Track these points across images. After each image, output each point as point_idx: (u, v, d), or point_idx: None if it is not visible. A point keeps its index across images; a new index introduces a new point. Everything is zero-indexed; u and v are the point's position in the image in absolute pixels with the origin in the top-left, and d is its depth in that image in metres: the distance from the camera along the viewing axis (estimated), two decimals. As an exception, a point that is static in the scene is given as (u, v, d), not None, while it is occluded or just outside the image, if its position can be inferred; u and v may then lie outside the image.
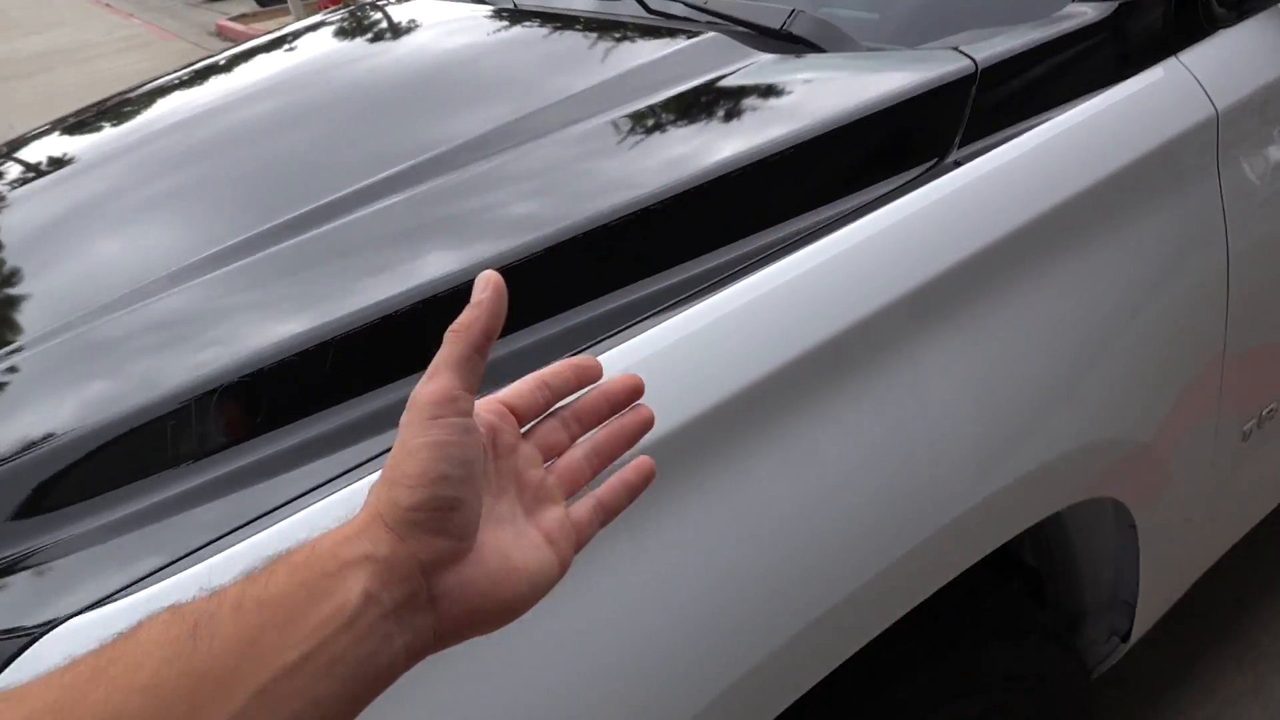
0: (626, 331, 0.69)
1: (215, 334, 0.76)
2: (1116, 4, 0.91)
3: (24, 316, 0.93)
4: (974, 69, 0.87)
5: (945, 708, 0.93)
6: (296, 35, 1.72)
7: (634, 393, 0.51)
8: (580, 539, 0.48)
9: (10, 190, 1.29)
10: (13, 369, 0.80)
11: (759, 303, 0.72)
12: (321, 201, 0.90)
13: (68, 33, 14.03)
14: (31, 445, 0.66)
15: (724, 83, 0.96)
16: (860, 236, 0.78)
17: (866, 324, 0.75)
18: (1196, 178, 0.94)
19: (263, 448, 0.64)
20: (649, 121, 0.94)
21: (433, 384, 0.42)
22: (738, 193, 0.81)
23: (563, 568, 0.46)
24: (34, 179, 1.31)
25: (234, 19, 11.22)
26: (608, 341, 0.69)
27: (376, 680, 0.38)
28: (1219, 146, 0.95)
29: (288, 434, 0.65)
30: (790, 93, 0.93)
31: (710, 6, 1.14)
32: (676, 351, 0.68)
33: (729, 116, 0.91)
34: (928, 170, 0.84)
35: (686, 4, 1.17)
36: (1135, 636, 1.11)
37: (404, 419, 0.42)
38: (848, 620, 0.75)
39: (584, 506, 0.49)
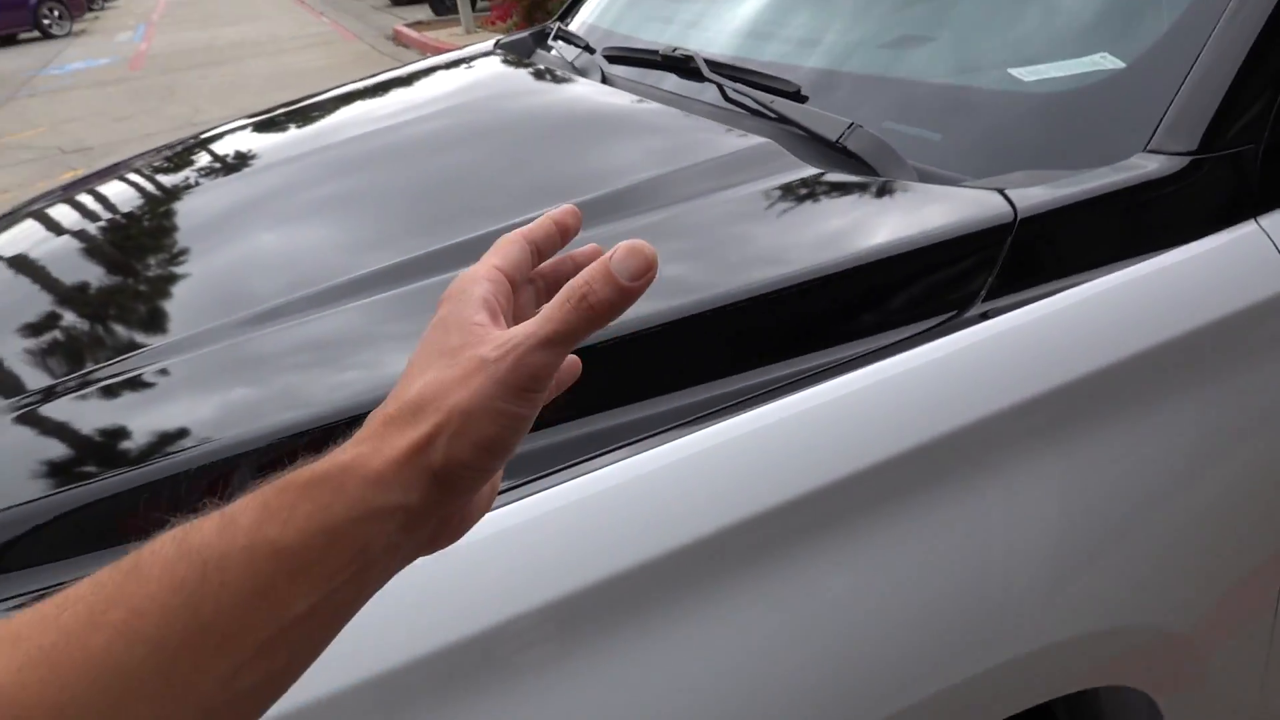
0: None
1: (360, 359, 0.81)
2: (1188, 160, 0.84)
3: (178, 312, 1.01)
4: (1013, 217, 0.81)
5: None
6: (473, 59, 1.80)
7: (576, 217, 0.48)
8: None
9: (191, 181, 1.41)
10: (163, 371, 0.85)
11: (725, 449, 0.70)
12: (479, 232, 0.94)
13: (262, 26, 15.11)
14: (179, 449, 0.71)
15: (756, 197, 0.94)
16: (864, 383, 0.75)
17: (859, 478, 0.71)
18: (1268, 354, 0.85)
19: None
20: (679, 226, 0.93)
21: (550, 350, 0.37)
22: (741, 321, 0.78)
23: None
24: (216, 172, 1.43)
25: (410, 25, 11.82)
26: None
27: (369, 592, 0.37)
28: (1299, 322, 0.85)
29: None
30: (814, 220, 0.89)
31: (776, 108, 1.11)
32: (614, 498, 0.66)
33: (747, 238, 0.89)
34: (948, 321, 0.79)
35: (755, 103, 1.15)
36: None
37: (492, 355, 0.37)
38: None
39: None
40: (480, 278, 0.41)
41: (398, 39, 11.38)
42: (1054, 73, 1.01)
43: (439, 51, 10.00)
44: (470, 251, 0.90)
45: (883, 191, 0.91)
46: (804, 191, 0.94)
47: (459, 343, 0.38)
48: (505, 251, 0.44)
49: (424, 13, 12.90)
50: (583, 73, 1.50)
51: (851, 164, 0.99)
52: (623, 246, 0.38)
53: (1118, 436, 0.79)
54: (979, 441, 0.75)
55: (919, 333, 0.78)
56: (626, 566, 0.64)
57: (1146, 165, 0.84)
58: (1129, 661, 0.87)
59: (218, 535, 0.33)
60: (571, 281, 0.38)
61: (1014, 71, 1.03)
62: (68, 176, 6.73)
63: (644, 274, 0.38)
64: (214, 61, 11.57)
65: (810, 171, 0.97)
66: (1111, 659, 0.85)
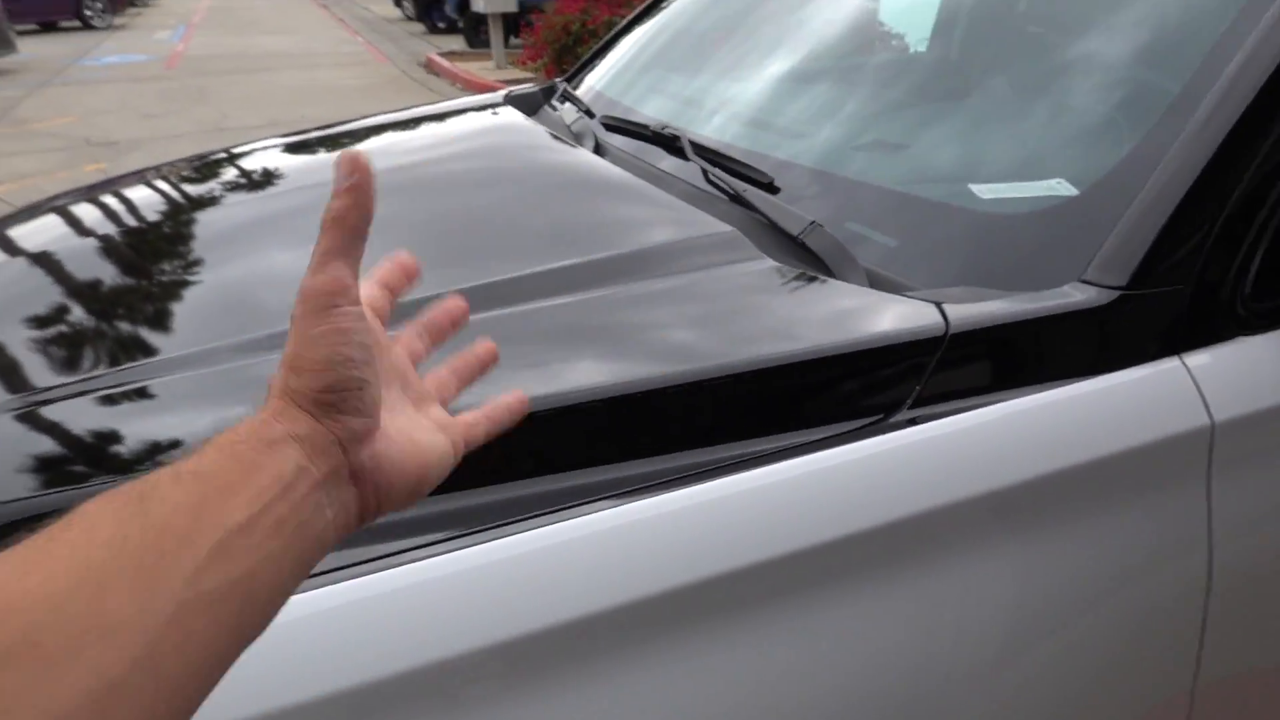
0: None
1: None
2: (1117, 294, 0.88)
3: (188, 321, 1.05)
4: (944, 331, 0.85)
5: None
6: (482, 109, 1.89)
7: (465, 313, 0.57)
8: (469, 437, 0.52)
9: (213, 194, 1.47)
10: (163, 386, 0.89)
11: (646, 527, 0.73)
12: (489, 280, 0.99)
13: (299, 39, 15.37)
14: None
15: (710, 282, 0.99)
16: (786, 475, 0.78)
17: (759, 570, 0.74)
18: (1177, 488, 0.89)
19: None
20: (629, 301, 0.97)
21: (323, 275, 0.43)
22: (673, 402, 0.82)
23: (456, 454, 0.50)
24: (238, 188, 1.49)
25: (443, 54, 12.02)
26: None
27: (316, 547, 0.41)
28: (1211, 460, 0.89)
29: None
30: (760, 312, 0.94)
31: (749, 196, 1.16)
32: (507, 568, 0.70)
33: (694, 321, 0.93)
34: (871, 424, 0.83)
35: (730, 189, 1.20)
36: None
37: (297, 311, 0.43)
38: None
39: (472, 413, 0.53)
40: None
41: (429, 66, 11.58)
42: (1010, 193, 1.06)
43: (469, 82, 10.13)
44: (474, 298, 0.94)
45: (830, 292, 0.96)
46: (757, 283, 0.98)
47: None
48: (367, 290, 0.51)
49: (459, 43, 13.14)
50: (579, 137, 1.56)
51: (809, 259, 1.04)
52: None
53: (1018, 553, 0.82)
54: (887, 541, 0.78)
55: (845, 432, 0.82)
56: (575, 616, 0.67)
57: (1075, 295, 0.88)
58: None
59: (141, 480, 0.38)
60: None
61: (973, 187, 1.08)
62: (91, 169, 6.82)
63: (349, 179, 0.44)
64: (247, 69, 11.78)
65: (767, 264, 1.01)
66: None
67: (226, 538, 0.37)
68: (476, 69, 10.51)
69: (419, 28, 15.82)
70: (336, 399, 0.42)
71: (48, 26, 16.92)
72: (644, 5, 2.16)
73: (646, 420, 0.82)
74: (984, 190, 1.07)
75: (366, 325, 0.44)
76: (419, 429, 0.48)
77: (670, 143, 1.37)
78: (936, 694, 0.81)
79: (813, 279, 0.98)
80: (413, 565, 0.67)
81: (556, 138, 1.57)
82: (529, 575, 0.70)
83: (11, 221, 1.50)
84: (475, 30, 12.51)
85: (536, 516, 0.72)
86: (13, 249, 1.34)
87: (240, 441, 0.40)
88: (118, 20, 18.43)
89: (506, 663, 0.67)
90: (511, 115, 1.78)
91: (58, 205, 1.51)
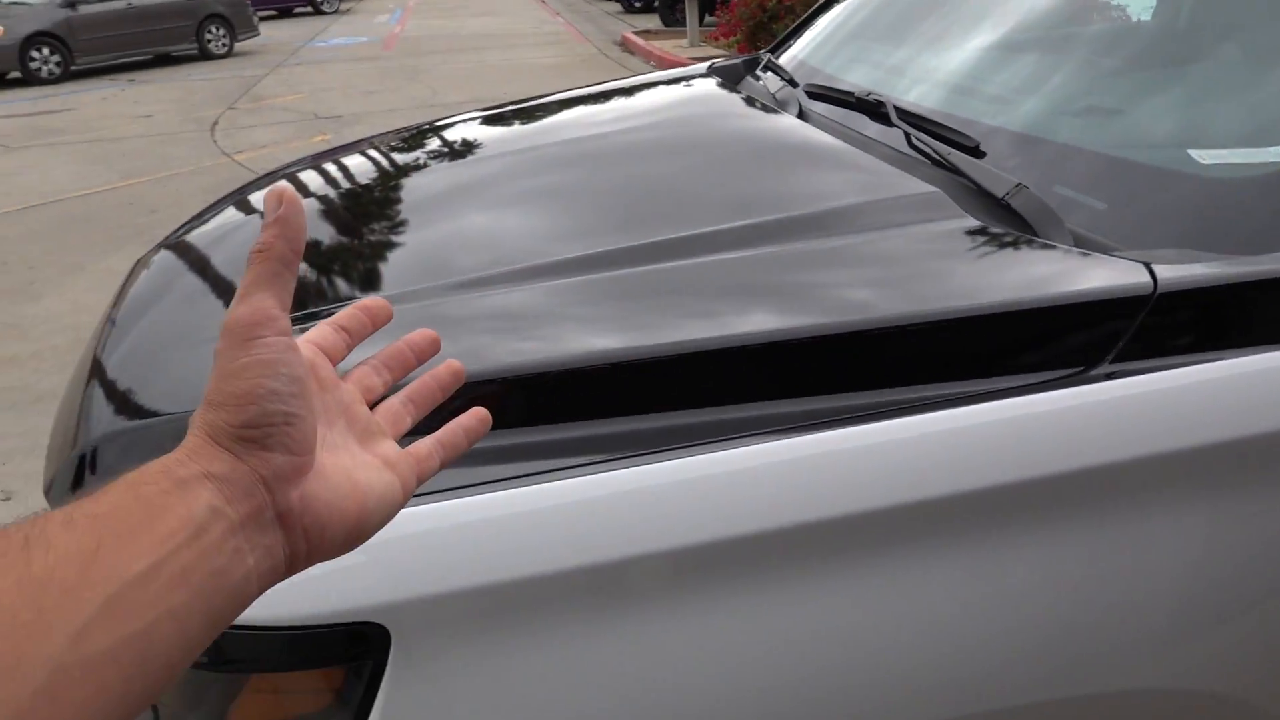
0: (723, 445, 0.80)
1: (538, 332, 0.95)
2: (1341, 258, 0.86)
3: (390, 272, 1.20)
4: (1151, 290, 0.86)
5: None
6: (689, 79, 1.98)
7: (434, 344, 0.54)
8: (422, 471, 0.49)
9: (421, 161, 1.66)
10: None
11: (864, 452, 0.79)
12: (666, 236, 1.08)
13: (504, 20, 16.07)
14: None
15: (917, 239, 1.03)
16: (984, 418, 0.82)
17: (957, 500, 0.79)
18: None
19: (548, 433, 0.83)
20: (839, 256, 1.03)
21: (246, 305, 0.40)
22: (889, 345, 0.88)
23: (405, 492, 0.47)
24: (444, 156, 1.67)
25: (638, 33, 12.25)
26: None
27: (233, 599, 0.37)
28: None
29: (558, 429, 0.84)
30: (965, 267, 0.97)
31: (953, 159, 1.19)
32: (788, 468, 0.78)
33: (905, 274, 0.98)
34: (1072, 376, 0.86)
35: (934, 153, 1.23)
36: None
37: (220, 345, 0.40)
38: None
39: (425, 443, 0.50)
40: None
41: (625, 45, 11.85)
42: (1232, 158, 1.03)
43: (663, 60, 10.29)
44: (660, 250, 1.04)
45: (1035, 250, 0.98)
46: (961, 241, 1.01)
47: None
48: (318, 331, 0.50)
49: (654, 22, 13.35)
50: (783, 105, 1.61)
51: (1013, 221, 1.06)
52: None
53: (1206, 513, 0.82)
54: (1077, 486, 0.81)
55: (1045, 381, 0.85)
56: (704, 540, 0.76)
57: (1295, 258, 0.86)
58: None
59: (28, 522, 0.33)
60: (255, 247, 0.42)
61: (1194, 153, 1.06)
62: (318, 140, 7.47)
63: (277, 213, 0.42)
64: (456, 49, 12.46)
65: (970, 223, 1.04)
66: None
67: (121, 590, 0.33)
68: (670, 47, 10.66)
69: (615, 7, 16.17)
70: (260, 434, 0.39)
71: (284, 12, 18.52)
72: (850, -23, 2.17)
73: (869, 356, 0.88)
74: (1205, 155, 1.05)
75: (297, 357, 0.41)
76: (361, 467, 0.45)
77: (874, 108, 1.40)
78: (1098, 641, 0.83)
79: (1018, 237, 1.00)
80: (633, 470, 0.77)
81: (761, 105, 1.63)
82: (750, 486, 0.78)
83: (256, 185, 1.72)
84: (670, 9, 12.68)
85: (782, 431, 0.80)
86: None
87: (147, 482, 0.36)
88: (344, 5, 19.92)
89: (737, 554, 0.75)
90: (715, 84, 1.86)
91: (288, 173, 1.73)
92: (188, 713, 0.82)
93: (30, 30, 11.45)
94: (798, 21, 2.20)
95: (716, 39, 10.26)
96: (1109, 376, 0.85)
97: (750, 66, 2.07)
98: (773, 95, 1.68)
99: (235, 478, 0.38)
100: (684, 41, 10.91)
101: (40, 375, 3.59)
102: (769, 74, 1.90)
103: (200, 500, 0.36)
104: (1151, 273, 0.88)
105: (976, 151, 1.20)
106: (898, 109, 1.35)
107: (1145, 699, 0.85)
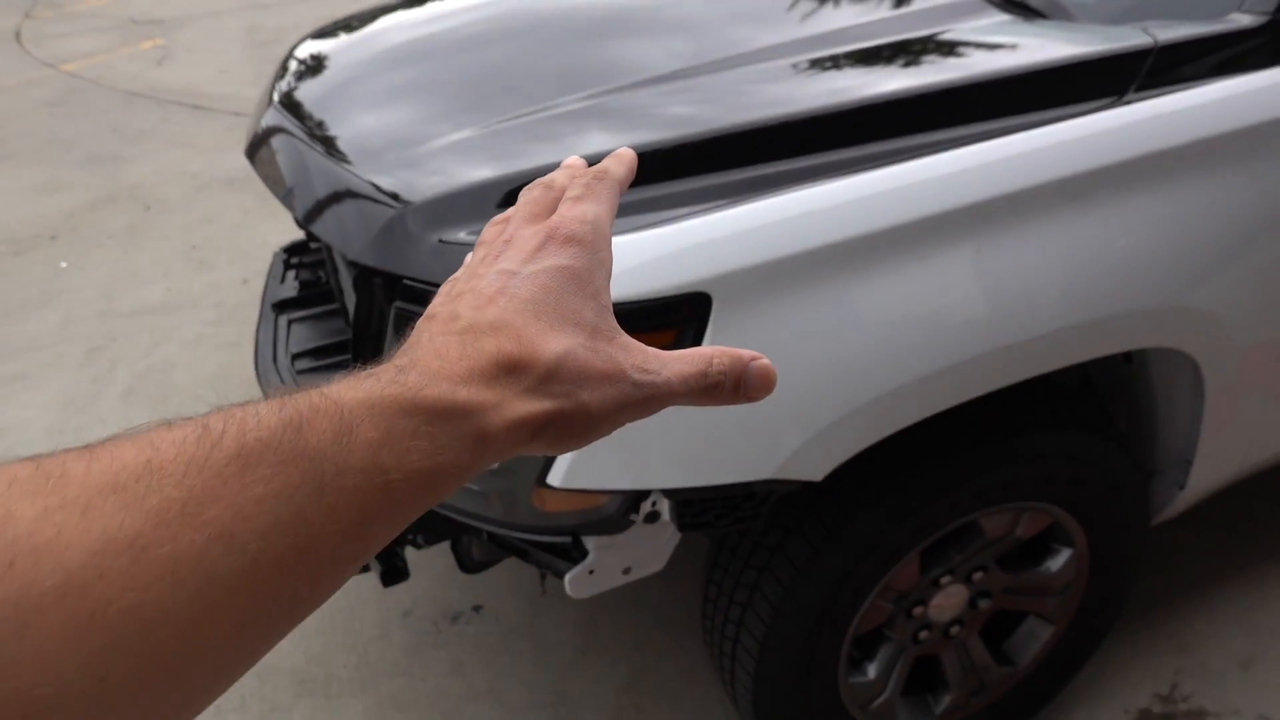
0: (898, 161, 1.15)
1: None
2: (1267, 18, 1.30)
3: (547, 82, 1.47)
4: (1153, 44, 1.27)
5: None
6: None
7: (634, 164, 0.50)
8: None
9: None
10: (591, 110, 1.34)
11: (976, 157, 1.16)
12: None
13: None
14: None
15: (968, 30, 1.40)
16: (1046, 136, 1.21)
17: (1042, 188, 1.18)
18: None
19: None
20: (910, 50, 1.39)
21: (671, 403, 0.39)
22: (974, 95, 1.25)
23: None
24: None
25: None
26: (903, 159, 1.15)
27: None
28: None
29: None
30: (1017, 42, 1.36)
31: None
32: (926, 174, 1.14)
33: (965, 49, 1.35)
34: (1108, 104, 1.26)
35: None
36: (1189, 486, 1.50)
37: (638, 377, 0.38)
38: (969, 375, 1.19)
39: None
40: (607, 238, 0.42)
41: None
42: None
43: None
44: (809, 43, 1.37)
45: (1060, 28, 1.37)
46: (1002, 24, 1.40)
47: (593, 321, 0.38)
48: (612, 200, 0.44)
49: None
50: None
51: (1030, 14, 1.45)
52: (761, 366, 0.41)
53: (1244, 173, 1.25)
54: (1124, 175, 1.21)
55: (1084, 111, 1.25)
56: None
57: (1242, 20, 1.29)
58: (1181, 332, 1.34)
59: (334, 443, 0.30)
60: (715, 361, 0.40)
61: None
62: (149, 45, 7.03)
63: (760, 393, 0.41)
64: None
65: (1004, 17, 1.42)
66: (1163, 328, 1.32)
67: (353, 563, 0.31)
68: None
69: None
70: (529, 454, 0.37)
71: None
72: None
73: (995, 96, 1.25)
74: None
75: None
76: None
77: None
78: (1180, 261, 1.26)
79: (1046, 25, 1.40)
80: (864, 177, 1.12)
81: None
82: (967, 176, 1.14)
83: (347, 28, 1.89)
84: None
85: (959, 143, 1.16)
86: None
87: (453, 451, 0.33)
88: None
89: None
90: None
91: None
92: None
93: None
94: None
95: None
96: (1127, 103, 1.26)
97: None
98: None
99: (480, 470, 0.36)
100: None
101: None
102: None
103: (452, 490, 0.34)
104: (1150, 33, 1.29)
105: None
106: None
107: (1127, 319, 1.28)
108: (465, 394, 0.33)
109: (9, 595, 0.22)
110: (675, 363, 0.39)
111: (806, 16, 1.56)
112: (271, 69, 1.90)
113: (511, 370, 0.34)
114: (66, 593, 0.23)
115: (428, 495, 0.32)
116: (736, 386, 0.40)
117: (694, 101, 1.33)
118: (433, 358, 0.34)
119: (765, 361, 0.41)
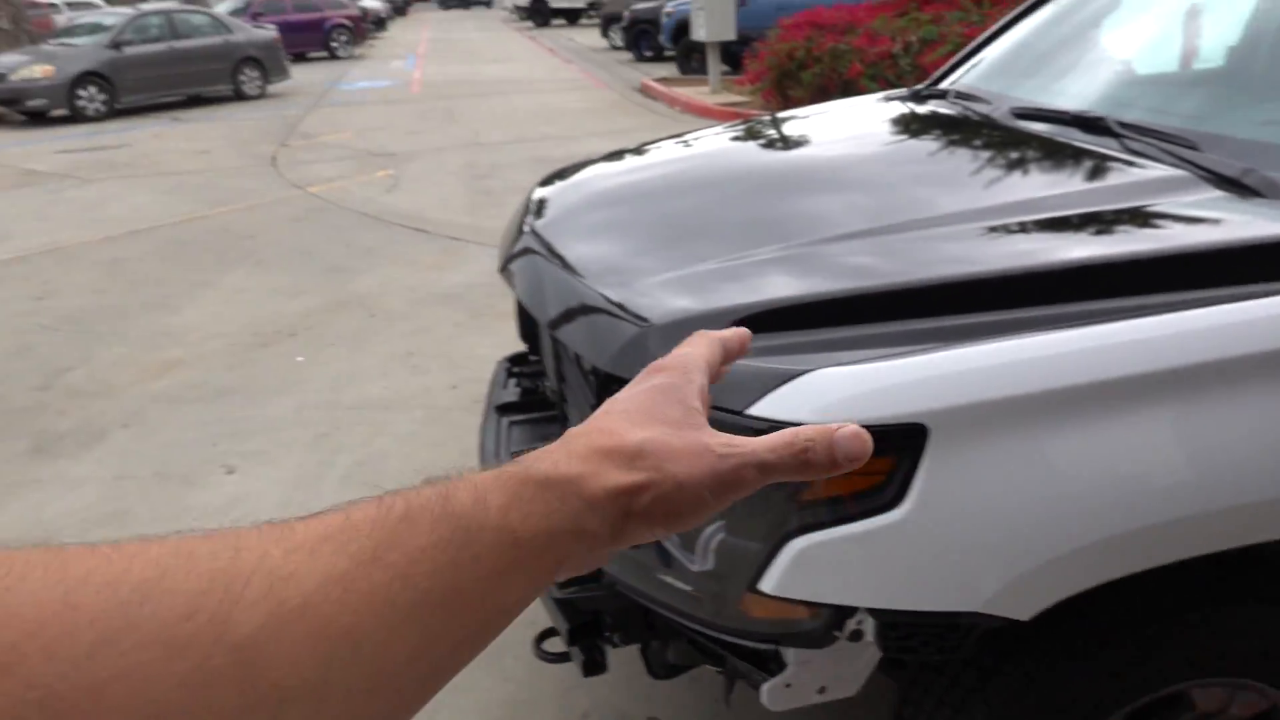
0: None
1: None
2: None
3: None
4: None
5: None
6: (893, 107, 2.44)
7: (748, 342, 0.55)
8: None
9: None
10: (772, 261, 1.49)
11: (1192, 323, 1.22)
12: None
13: (518, 67, 16.62)
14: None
15: (1193, 205, 1.48)
16: (1255, 309, 1.25)
17: (1251, 358, 1.21)
18: None
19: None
20: (1136, 222, 1.47)
21: (761, 473, 0.42)
22: (1173, 266, 1.31)
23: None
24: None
25: (657, 80, 12.83)
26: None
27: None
28: None
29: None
30: (1235, 218, 1.42)
31: (1187, 155, 1.64)
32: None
33: (1190, 222, 1.42)
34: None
35: (1157, 150, 1.68)
36: None
37: (721, 449, 0.42)
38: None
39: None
40: (698, 368, 0.47)
41: (646, 91, 12.43)
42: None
43: (687, 105, 10.84)
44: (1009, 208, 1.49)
45: (1274, 206, 1.43)
46: (1219, 200, 1.46)
47: (679, 418, 0.43)
48: (710, 349, 0.50)
49: (668, 70, 13.98)
50: (994, 124, 2.07)
51: (1248, 193, 1.51)
52: (850, 430, 0.42)
53: None
54: None
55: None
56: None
57: None
58: None
59: (473, 506, 0.36)
60: (802, 430, 0.42)
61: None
62: (382, 175, 7.91)
63: (856, 459, 0.42)
64: (481, 94, 12.99)
65: (1218, 193, 1.49)
66: None
67: (495, 618, 0.36)
68: (693, 93, 11.22)
69: (626, 56, 16.82)
70: (646, 533, 0.41)
71: (299, 57, 19.03)
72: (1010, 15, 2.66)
73: (1211, 267, 1.32)
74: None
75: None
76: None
77: (1094, 123, 1.86)
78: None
79: (1262, 198, 1.45)
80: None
81: (989, 121, 2.08)
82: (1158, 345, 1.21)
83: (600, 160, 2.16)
84: (687, 57, 13.32)
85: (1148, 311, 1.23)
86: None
87: (564, 510, 0.38)
88: (357, 51, 20.50)
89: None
90: (923, 110, 2.32)
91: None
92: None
93: (79, 69, 11.90)
94: (960, 56, 2.69)
95: (742, 84, 10.82)
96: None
97: (918, 98, 2.54)
98: (988, 116, 2.14)
99: (602, 545, 0.40)
100: (705, 88, 11.49)
101: (211, 374, 3.95)
102: (936, 101, 2.38)
103: (574, 555, 0.39)
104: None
105: (1195, 148, 1.66)
106: (1119, 122, 1.80)
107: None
108: (566, 466, 0.39)
109: (271, 609, 0.29)
110: (763, 438, 0.42)
111: (992, 183, 1.67)
112: (485, 200, 2.21)
113: (605, 454, 0.40)
114: (305, 612, 0.29)
115: (550, 551, 0.37)
116: (830, 452, 0.41)
117: (881, 255, 1.47)
118: (545, 453, 0.41)
119: (854, 425, 0.42)
